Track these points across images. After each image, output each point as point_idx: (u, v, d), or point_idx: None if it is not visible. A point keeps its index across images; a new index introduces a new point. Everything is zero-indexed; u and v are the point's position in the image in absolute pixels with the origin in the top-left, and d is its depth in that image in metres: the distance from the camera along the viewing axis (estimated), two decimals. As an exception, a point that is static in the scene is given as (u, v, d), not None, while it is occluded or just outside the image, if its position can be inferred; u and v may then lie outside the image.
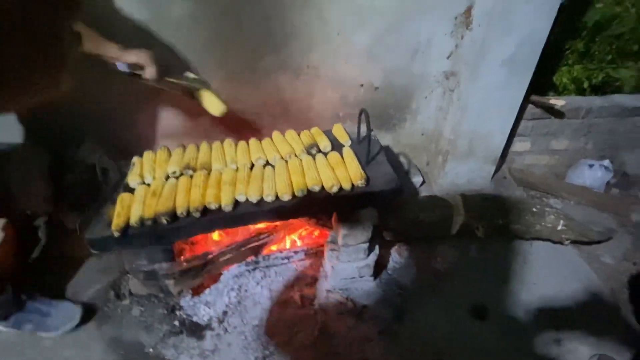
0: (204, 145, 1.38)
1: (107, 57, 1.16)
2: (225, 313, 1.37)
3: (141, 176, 1.25)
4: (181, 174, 1.24)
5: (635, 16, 2.00)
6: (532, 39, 1.51)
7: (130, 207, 1.13)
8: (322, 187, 1.19)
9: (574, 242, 1.66)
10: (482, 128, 1.73)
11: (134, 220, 1.08)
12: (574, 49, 2.17)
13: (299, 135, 1.42)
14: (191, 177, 1.23)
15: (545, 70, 2.28)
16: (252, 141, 1.41)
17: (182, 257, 1.38)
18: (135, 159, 1.31)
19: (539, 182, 1.98)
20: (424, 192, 1.85)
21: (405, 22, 1.52)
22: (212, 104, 1.27)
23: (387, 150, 1.72)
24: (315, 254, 1.53)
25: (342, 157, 1.30)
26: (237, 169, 1.27)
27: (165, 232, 1.11)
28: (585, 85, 2.12)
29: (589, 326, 1.39)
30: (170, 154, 1.33)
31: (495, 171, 1.97)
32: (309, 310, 1.40)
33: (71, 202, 1.46)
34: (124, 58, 1.16)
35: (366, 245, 1.37)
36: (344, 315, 1.38)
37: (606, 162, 2.07)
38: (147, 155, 1.32)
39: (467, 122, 1.71)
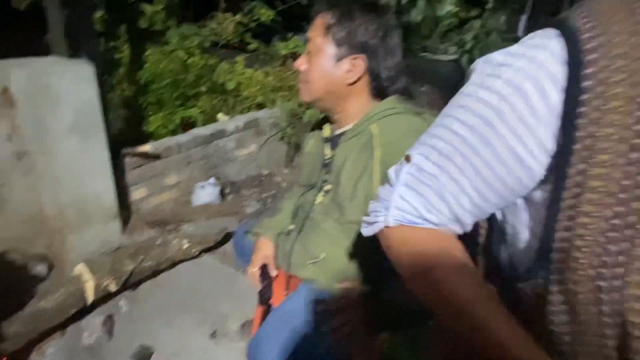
0: None
1: None
2: None
3: None
4: None
5: (175, 71, 2.60)
6: (87, 106, 1.67)
7: None
8: None
9: (205, 250, 2.03)
10: (84, 193, 1.76)
11: None
12: (150, 102, 2.59)
13: None
14: None
15: (137, 125, 2.61)
16: None
17: None
18: None
19: (168, 217, 2.26)
20: (54, 278, 1.71)
21: None
22: None
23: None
24: None
25: None
26: None
27: None
28: (170, 127, 2.58)
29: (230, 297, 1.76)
30: None
31: (126, 224, 2.07)
32: None
33: None
34: None
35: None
36: None
37: (211, 180, 2.61)
38: None
39: (65, 193, 1.70)
